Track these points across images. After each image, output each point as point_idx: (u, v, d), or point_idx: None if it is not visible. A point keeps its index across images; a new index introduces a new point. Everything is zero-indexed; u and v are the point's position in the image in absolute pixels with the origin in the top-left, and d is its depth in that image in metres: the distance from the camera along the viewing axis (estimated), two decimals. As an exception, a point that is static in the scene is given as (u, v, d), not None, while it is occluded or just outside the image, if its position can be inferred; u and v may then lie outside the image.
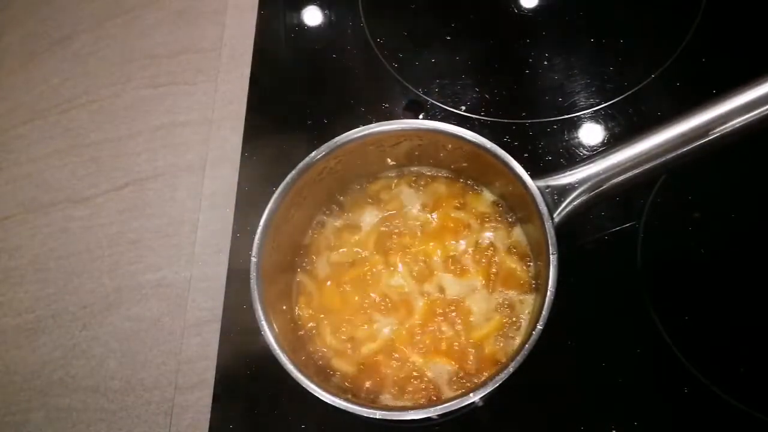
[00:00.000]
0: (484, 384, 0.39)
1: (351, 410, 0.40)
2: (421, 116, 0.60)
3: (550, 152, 0.57)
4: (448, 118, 0.60)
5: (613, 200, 0.54)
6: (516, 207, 0.49)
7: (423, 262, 0.49)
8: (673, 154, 0.42)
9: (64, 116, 0.67)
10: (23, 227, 0.63)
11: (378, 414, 0.40)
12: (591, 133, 0.58)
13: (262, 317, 0.43)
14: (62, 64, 0.70)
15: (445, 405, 0.39)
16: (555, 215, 0.43)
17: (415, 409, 0.40)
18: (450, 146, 0.48)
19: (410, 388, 0.46)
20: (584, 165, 0.44)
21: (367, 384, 0.46)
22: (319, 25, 0.67)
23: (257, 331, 0.43)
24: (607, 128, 0.58)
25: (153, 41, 0.69)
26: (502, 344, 0.46)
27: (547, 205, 0.43)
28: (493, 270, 0.48)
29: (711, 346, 0.49)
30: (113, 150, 0.65)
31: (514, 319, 0.47)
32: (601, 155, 0.44)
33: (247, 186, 0.59)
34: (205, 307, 0.56)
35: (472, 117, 0.60)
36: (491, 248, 0.49)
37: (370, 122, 0.60)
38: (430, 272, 0.49)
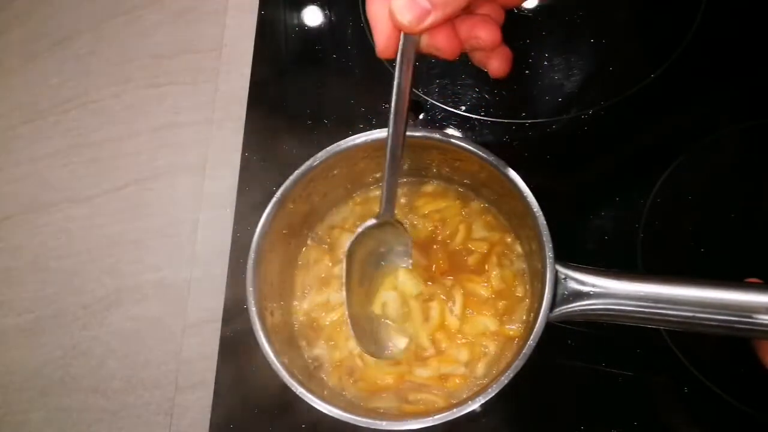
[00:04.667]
0: (483, 391, 0.39)
1: (344, 419, 0.40)
2: (421, 116, 0.60)
3: (551, 152, 0.57)
4: (448, 118, 0.60)
5: (614, 201, 0.54)
6: (519, 223, 0.48)
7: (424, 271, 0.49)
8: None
9: (64, 116, 0.67)
10: (23, 227, 0.63)
11: (362, 422, 0.40)
12: (591, 133, 0.58)
13: (258, 325, 0.43)
14: (62, 64, 0.70)
15: (444, 414, 0.39)
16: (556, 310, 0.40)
17: (415, 418, 0.40)
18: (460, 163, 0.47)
19: (412, 398, 0.46)
20: (615, 278, 0.40)
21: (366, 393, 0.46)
22: (319, 25, 0.67)
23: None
24: (607, 128, 0.58)
25: (153, 41, 0.69)
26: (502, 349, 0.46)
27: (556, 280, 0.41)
28: (493, 281, 0.48)
29: (711, 346, 0.49)
30: (113, 150, 0.65)
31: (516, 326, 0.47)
32: (638, 278, 0.40)
33: (247, 186, 0.59)
34: (205, 307, 0.56)
35: (472, 117, 0.60)
36: (490, 260, 0.48)
37: (371, 122, 0.60)
38: (433, 288, 0.48)
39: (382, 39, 0.35)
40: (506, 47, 0.38)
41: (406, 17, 0.33)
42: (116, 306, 0.58)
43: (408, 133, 0.46)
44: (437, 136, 0.46)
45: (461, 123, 0.59)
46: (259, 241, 0.45)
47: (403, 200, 0.52)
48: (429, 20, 0.33)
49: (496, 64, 0.38)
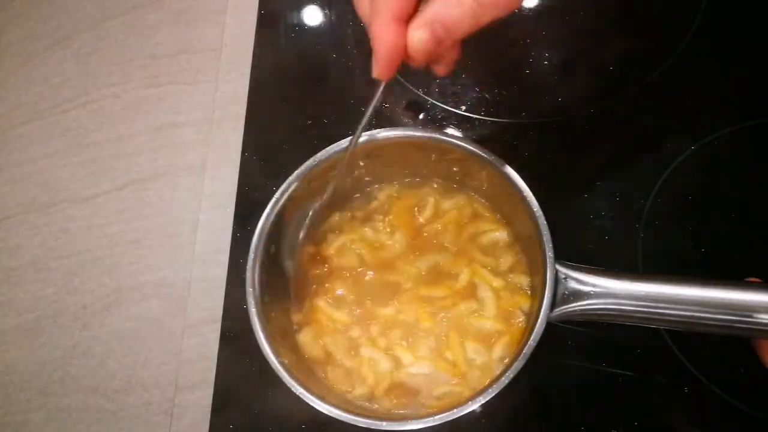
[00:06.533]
0: (483, 391, 0.39)
1: (344, 419, 0.40)
2: (421, 116, 0.60)
3: (551, 152, 0.57)
4: (448, 118, 0.60)
5: (614, 201, 0.54)
6: (519, 222, 0.48)
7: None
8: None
9: (64, 116, 0.67)
10: (23, 227, 0.63)
11: (362, 422, 0.40)
12: (591, 133, 0.58)
13: (258, 326, 0.43)
14: (62, 64, 0.70)
15: (444, 414, 0.39)
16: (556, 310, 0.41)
17: (413, 419, 0.39)
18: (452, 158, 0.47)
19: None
20: (615, 278, 0.40)
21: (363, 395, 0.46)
22: (319, 25, 0.67)
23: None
24: (607, 128, 0.58)
25: (153, 41, 0.69)
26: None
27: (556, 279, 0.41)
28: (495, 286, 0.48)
29: (711, 346, 0.49)
30: (113, 150, 0.65)
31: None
32: (638, 278, 0.40)
33: (247, 186, 0.59)
34: (205, 307, 0.56)
35: (472, 117, 0.60)
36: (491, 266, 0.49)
37: (371, 122, 0.60)
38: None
39: (386, 64, 0.34)
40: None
41: (424, 49, 0.33)
42: (116, 306, 0.58)
43: (408, 133, 0.46)
44: (437, 136, 0.46)
45: (461, 123, 0.60)
46: (259, 241, 0.45)
47: (396, 194, 0.52)
48: (441, 47, 0.33)
49: (444, 68, 0.38)
